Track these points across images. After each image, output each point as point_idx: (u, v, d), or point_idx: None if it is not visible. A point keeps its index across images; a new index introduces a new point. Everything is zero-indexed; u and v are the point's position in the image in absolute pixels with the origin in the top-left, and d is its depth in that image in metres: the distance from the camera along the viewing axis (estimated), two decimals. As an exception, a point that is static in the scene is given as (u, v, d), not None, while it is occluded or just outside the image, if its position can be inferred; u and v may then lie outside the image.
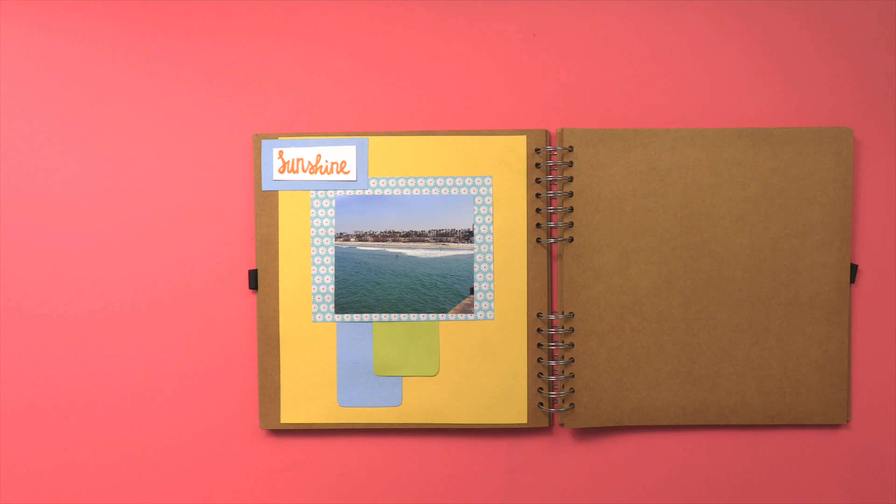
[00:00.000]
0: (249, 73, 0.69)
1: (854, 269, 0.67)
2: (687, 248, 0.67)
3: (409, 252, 0.68)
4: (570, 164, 0.67)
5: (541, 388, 0.68)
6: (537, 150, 0.67)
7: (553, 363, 0.67)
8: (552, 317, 0.67)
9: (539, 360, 0.68)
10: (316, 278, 0.68)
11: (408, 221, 0.68)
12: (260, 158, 0.68)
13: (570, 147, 0.67)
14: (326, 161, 0.68)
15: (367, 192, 0.68)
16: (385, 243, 0.68)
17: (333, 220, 0.68)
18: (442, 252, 0.68)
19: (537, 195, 0.67)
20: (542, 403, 0.68)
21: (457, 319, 0.68)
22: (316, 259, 0.68)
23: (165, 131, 0.69)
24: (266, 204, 0.68)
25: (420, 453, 0.69)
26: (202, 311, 0.69)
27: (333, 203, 0.68)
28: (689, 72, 0.69)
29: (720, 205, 0.67)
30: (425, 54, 0.69)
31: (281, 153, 0.68)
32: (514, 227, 0.68)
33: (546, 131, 0.68)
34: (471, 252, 0.68)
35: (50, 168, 0.69)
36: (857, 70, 0.68)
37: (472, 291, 0.68)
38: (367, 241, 0.68)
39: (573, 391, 0.67)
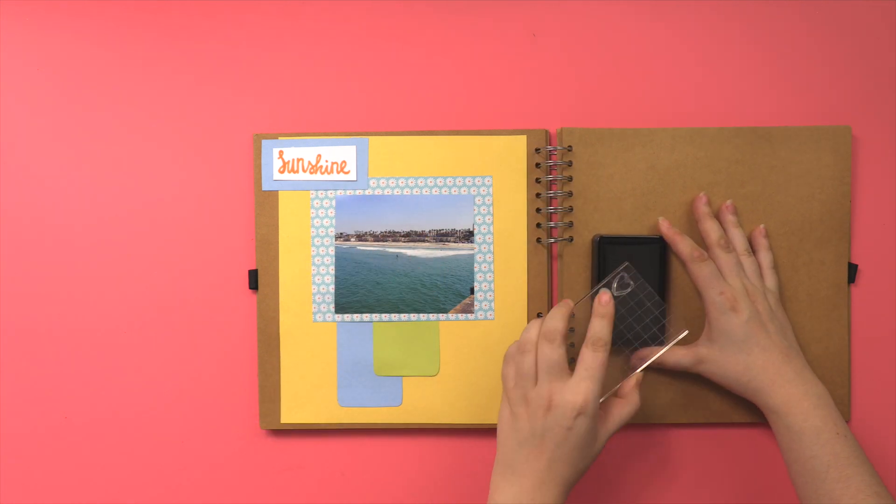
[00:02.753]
0: (249, 73, 0.69)
1: (854, 269, 0.67)
2: (686, 247, 0.67)
3: (410, 252, 0.68)
4: (570, 163, 0.67)
5: (541, 388, 0.68)
6: (537, 150, 0.67)
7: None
8: (552, 316, 0.67)
9: (539, 359, 0.68)
10: (316, 278, 0.68)
11: (408, 221, 0.68)
12: (260, 158, 0.68)
13: (570, 147, 0.67)
14: (326, 161, 0.68)
15: (367, 192, 0.68)
16: (385, 243, 0.68)
17: (333, 220, 0.68)
18: (442, 252, 0.68)
19: (537, 195, 0.68)
20: (542, 403, 0.68)
21: (457, 319, 0.68)
22: (316, 259, 0.68)
23: (165, 131, 0.69)
24: (266, 204, 0.68)
25: (420, 453, 0.69)
26: (202, 311, 0.69)
27: (333, 203, 0.68)
28: (688, 71, 0.69)
29: (719, 203, 0.67)
30: (425, 54, 0.69)
31: (281, 153, 0.68)
32: (514, 227, 0.68)
33: (546, 131, 0.68)
34: (471, 252, 0.68)
35: (50, 168, 0.69)
36: (856, 68, 0.69)
37: (472, 291, 0.68)
38: (367, 241, 0.68)
39: (574, 390, 0.67)
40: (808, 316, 0.67)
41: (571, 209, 0.67)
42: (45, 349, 0.69)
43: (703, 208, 0.65)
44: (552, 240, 0.68)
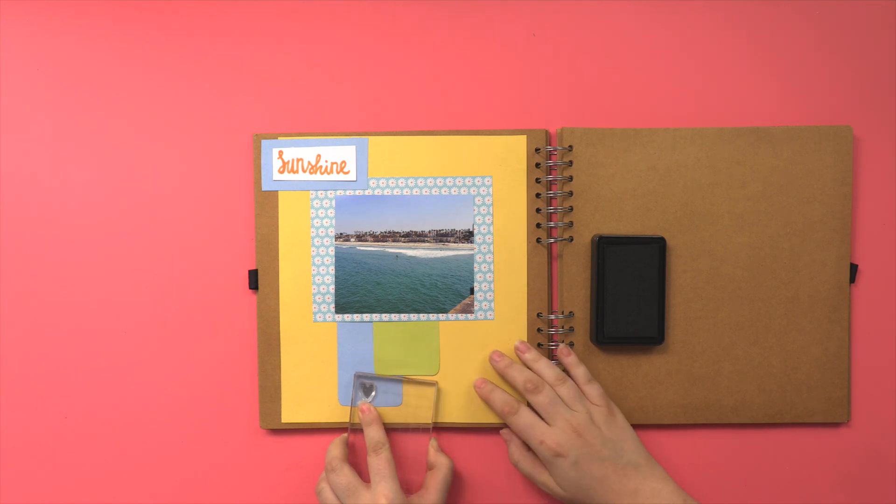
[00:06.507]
0: (249, 73, 0.69)
1: (854, 269, 0.67)
2: (686, 247, 0.67)
3: (409, 252, 0.68)
4: (570, 163, 0.67)
5: (541, 388, 0.68)
6: (537, 150, 0.67)
7: (553, 363, 0.67)
8: (552, 317, 0.67)
9: (539, 359, 0.68)
10: (316, 278, 0.68)
11: (408, 221, 0.68)
12: (260, 158, 0.68)
13: (570, 146, 0.67)
14: (326, 161, 0.68)
15: (367, 192, 0.68)
16: (385, 243, 0.68)
17: (333, 221, 0.68)
18: (442, 252, 0.68)
19: (537, 195, 0.67)
20: (542, 403, 0.68)
21: (457, 319, 0.68)
22: (316, 259, 0.68)
23: (165, 131, 0.69)
24: (266, 204, 0.68)
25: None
26: (202, 311, 0.69)
27: (333, 203, 0.68)
28: (689, 71, 0.69)
29: (720, 203, 0.67)
30: (425, 54, 0.69)
31: (281, 153, 0.68)
32: (514, 227, 0.68)
33: (546, 131, 0.68)
34: (471, 252, 0.68)
35: (49, 168, 0.69)
36: (857, 68, 0.69)
37: (472, 291, 0.68)
38: (367, 241, 0.68)
39: (573, 391, 0.67)
40: (809, 317, 0.67)
41: (571, 209, 0.67)
42: (45, 349, 0.69)
43: (499, 362, 0.66)
44: (552, 240, 0.67)
